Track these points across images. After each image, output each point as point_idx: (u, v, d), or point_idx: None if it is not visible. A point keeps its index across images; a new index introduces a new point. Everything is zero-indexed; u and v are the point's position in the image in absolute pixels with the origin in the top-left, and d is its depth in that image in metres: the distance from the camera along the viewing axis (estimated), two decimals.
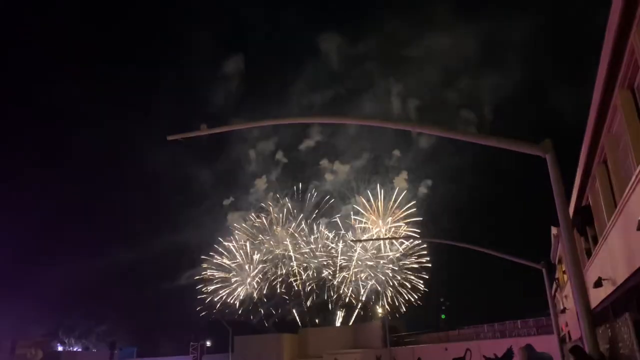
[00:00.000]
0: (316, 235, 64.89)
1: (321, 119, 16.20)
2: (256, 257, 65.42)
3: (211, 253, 65.66)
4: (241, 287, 65.44)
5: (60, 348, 72.64)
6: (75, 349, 74.15)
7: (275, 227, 65.77)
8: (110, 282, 78.43)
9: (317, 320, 64.70)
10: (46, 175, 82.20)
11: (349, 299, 64.13)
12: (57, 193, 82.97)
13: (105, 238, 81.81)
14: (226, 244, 65.84)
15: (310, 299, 65.04)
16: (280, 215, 65.77)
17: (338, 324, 63.17)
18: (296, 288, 65.00)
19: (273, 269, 65.49)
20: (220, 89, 75.91)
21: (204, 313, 65.17)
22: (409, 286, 62.62)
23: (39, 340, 60.37)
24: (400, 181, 63.75)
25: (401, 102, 69.01)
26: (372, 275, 63.52)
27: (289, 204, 65.98)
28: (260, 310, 65.25)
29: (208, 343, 51.49)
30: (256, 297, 65.05)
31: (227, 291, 65.20)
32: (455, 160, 66.47)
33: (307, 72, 73.95)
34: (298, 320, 64.64)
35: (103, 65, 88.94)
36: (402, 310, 62.26)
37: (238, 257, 65.69)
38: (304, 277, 64.84)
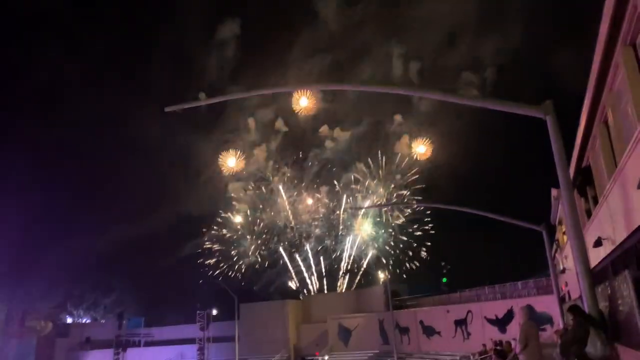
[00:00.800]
0: (317, 205, 65.26)
1: (320, 86, 16.04)
2: (257, 227, 66.02)
3: (213, 226, 66.20)
4: (243, 257, 66.31)
5: (69, 320, 74.12)
6: (83, 321, 75.67)
7: (275, 196, 66.04)
8: (115, 254, 79.35)
9: (318, 286, 65.77)
10: (45, 152, 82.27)
11: (351, 265, 65.11)
12: (59, 169, 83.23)
13: (107, 211, 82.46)
14: (227, 214, 66.29)
15: (313, 266, 65.98)
16: (281, 184, 65.89)
17: (341, 290, 64.24)
18: (297, 256, 65.86)
19: (275, 237, 66.18)
20: (216, 56, 74.33)
21: (208, 283, 66.27)
22: (411, 253, 63.49)
23: (48, 312, 61.51)
24: (402, 146, 63.41)
25: (402, 65, 67.80)
26: (374, 242, 64.25)
27: (290, 173, 65.95)
28: (264, 279, 66.38)
29: (214, 311, 52.43)
30: (258, 266, 66.02)
31: (229, 262, 66.17)
32: (457, 124, 65.76)
33: (305, 36, 71.54)
34: (301, 287, 65.75)
35: (94, 36, 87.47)
36: (403, 275, 63.30)
37: (239, 227, 66.29)
38: (306, 246, 65.54)
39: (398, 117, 64.16)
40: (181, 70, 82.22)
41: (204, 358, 48.67)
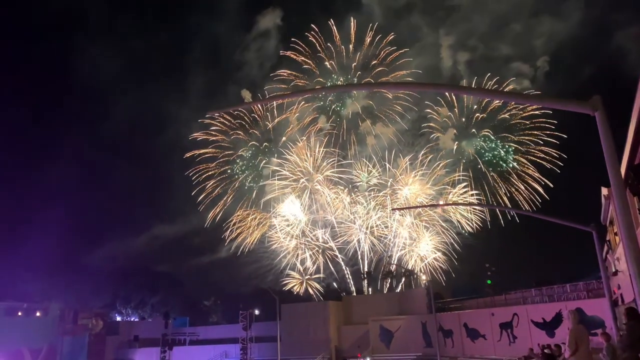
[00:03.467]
0: (362, 204, 64.37)
1: (360, 87, 16.02)
2: (297, 228, 66.00)
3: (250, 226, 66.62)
4: (285, 258, 66.59)
5: (118, 318, 76.88)
6: (132, 319, 78.27)
7: (316, 194, 65.55)
8: (159, 256, 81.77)
9: (355, 288, 65.33)
10: (89, 156, 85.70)
11: (393, 267, 64.36)
12: (103, 174, 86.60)
13: (149, 214, 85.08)
14: (266, 214, 66.38)
15: (351, 267, 65.68)
16: (322, 182, 65.03)
17: (382, 291, 63.73)
18: (339, 258, 65.74)
19: (314, 238, 66.09)
20: (255, 48, 73.60)
21: (250, 283, 67.12)
22: (455, 254, 62.35)
23: (99, 311, 63.95)
24: (447, 140, 61.77)
25: (450, 55, 65.65)
26: (415, 242, 63.40)
27: (331, 170, 64.86)
28: (305, 279, 66.44)
29: (256, 312, 53.07)
30: (300, 267, 66.20)
31: (269, 262, 66.62)
32: (505, 117, 63.08)
33: (349, 26, 69.47)
34: (341, 288, 65.61)
35: (134, 33, 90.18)
36: (447, 277, 62.18)
37: (279, 228, 66.29)
38: (347, 246, 65.26)
39: (444, 111, 62.27)
40: (221, 66, 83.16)
41: (246, 357, 49.36)
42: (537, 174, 58.62)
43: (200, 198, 67.61)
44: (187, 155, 66.20)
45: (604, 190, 18.68)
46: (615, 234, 20.27)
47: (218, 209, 66.92)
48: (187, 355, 56.87)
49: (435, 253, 62.32)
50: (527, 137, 60.28)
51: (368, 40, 64.48)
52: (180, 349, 56.40)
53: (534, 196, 57.09)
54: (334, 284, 66.49)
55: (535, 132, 59.68)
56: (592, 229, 20.05)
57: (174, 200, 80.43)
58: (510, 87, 60.70)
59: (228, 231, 67.01)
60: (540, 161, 58.84)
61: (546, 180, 57.79)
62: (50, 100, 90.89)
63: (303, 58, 66.10)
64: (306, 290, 66.31)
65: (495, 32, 68.53)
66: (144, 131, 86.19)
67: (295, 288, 66.21)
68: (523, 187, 58.36)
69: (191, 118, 77.55)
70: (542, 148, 59.00)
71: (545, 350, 18.77)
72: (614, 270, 22.49)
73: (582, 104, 8.09)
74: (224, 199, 67.51)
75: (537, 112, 58.97)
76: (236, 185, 67.71)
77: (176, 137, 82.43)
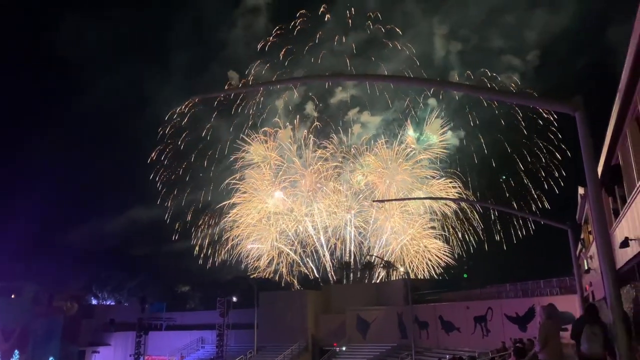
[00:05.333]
0: (338, 195, 64.53)
1: (345, 77, 16.00)
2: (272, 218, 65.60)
3: (232, 217, 66.23)
4: (262, 246, 66.44)
5: (94, 301, 76.11)
6: (108, 303, 77.55)
7: (298, 184, 65.34)
8: (137, 240, 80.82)
9: (335, 279, 65.65)
10: (66, 136, 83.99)
11: (372, 258, 64.81)
12: (80, 154, 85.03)
13: (127, 197, 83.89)
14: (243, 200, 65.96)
15: (332, 257, 65.96)
16: (304, 171, 64.72)
17: (361, 281, 64.08)
18: (320, 247, 65.93)
19: (295, 227, 66.11)
20: (241, 28, 71.94)
21: (229, 271, 66.93)
22: (431, 249, 62.92)
23: (75, 293, 63.20)
24: (433, 132, 62.13)
25: (442, 45, 65.69)
26: (394, 234, 63.85)
27: (315, 159, 64.55)
28: (283, 268, 66.58)
29: (234, 299, 53.02)
30: (278, 257, 66.21)
31: (248, 249, 66.48)
32: (491, 110, 63.09)
33: (341, 11, 68.64)
34: (320, 277, 65.84)
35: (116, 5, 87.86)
36: (423, 270, 62.84)
37: (257, 215, 65.93)
38: (321, 236, 65.40)
39: (432, 102, 62.57)
40: (203, 45, 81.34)
41: (223, 344, 49.39)
42: (529, 183, 57.77)
43: (177, 188, 66.89)
44: (156, 150, 65.03)
45: (581, 190, 19.02)
46: (590, 232, 20.68)
47: (194, 203, 66.37)
48: (163, 340, 56.64)
49: (418, 246, 62.85)
50: (520, 139, 60.35)
51: (360, 26, 64.33)
52: (157, 333, 56.11)
53: (523, 204, 57.06)
54: (313, 273, 66.73)
55: (532, 136, 59.74)
56: (567, 226, 20.46)
57: (152, 184, 79.26)
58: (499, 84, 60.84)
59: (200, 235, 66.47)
60: (532, 167, 58.58)
61: (540, 195, 57.05)
62: (28, 76, 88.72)
63: (290, 46, 65.61)
64: (285, 279, 66.55)
65: (489, 23, 68.59)
66: (122, 111, 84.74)
67: (271, 277, 66.35)
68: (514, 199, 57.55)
69: (172, 98, 76.28)
70: (537, 152, 58.96)
71: (517, 345, 19.12)
72: (586, 267, 22.95)
73: (563, 104, 8.19)
74: (204, 188, 66.88)
75: (533, 115, 58.98)
76: (212, 176, 67.10)
77: (156, 118, 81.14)
